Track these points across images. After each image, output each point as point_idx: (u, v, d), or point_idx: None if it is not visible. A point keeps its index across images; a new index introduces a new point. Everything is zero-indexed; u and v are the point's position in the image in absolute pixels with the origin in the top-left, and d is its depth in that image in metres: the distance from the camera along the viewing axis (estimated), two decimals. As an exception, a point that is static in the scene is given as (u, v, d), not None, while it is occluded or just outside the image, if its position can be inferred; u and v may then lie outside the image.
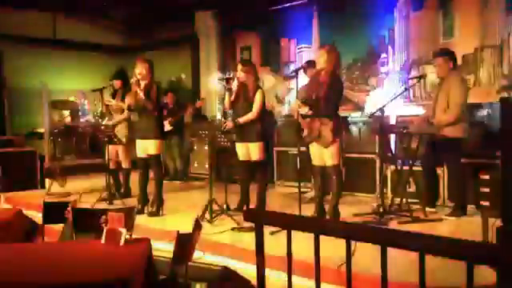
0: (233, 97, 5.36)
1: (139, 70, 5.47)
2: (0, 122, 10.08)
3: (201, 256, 4.08)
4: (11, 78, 10.27)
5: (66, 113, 10.19)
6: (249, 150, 5.29)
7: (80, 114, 10.18)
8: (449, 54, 5.15)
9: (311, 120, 4.75)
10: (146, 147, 5.57)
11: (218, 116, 9.52)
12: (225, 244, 4.31)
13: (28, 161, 7.73)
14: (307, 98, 4.77)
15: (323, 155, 4.75)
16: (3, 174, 7.36)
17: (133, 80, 5.56)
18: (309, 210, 4.85)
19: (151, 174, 5.69)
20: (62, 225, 3.81)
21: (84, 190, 6.95)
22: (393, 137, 5.89)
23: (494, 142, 5.09)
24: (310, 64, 5.61)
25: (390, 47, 7.43)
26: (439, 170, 5.48)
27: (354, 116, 6.92)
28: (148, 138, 5.54)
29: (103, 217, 2.92)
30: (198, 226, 2.98)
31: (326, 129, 4.65)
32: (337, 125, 4.71)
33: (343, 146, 5.10)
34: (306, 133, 4.86)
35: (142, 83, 5.49)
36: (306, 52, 8.51)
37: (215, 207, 5.10)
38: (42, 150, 8.23)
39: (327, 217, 4.79)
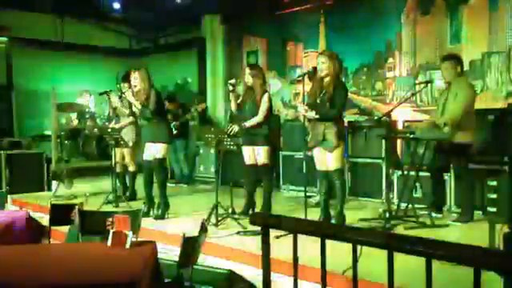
0: (239, 100, 5.38)
1: (133, 80, 5.52)
2: (8, 123, 10.14)
3: (206, 259, 4.08)
4: (19, 80, 10.35)
5: (73, 115, 10.24)
6: (255, 154, 5.29)
7: (87, 116, 10.20)
8: (456, 59, 5.14)
9: (315, 124, 4.75)
10: (154, 151, 5.57)
11: (225, 119, 9.53)
12: (230, 248, 4.31)
13: (35, 163, 7.76)
14: (312, 102, 4.78)
15: (327, 159, 4.75)
16: (10, 176, 7.40)
17: (128, 91, 5.61)
18: (315, 215, 4.84)
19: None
20: (68, 227, 3.82)
21: (90, 193, 6.97)
22: (399, 142, 5.88)
23: (502, 148, 5.06)
24: (317, 69, 5.60)
25: (397, 52, 7.41)
26: (446, 176, 5.45)
27: (361, 121, 6.91)
28: (157, 141, 5.54)
29: (109, 219, 2.93)
30: (203, 229, 2.99)
31: (330, 133, 4.65)
32: (340, 129, 4.72)
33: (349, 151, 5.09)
34: (310, 137, 4.86)
35: (141, 91, 5.51)
36: (312, 57, 8.51)
37: (221, 211, 5.11)
38: (49, 153, 8.27)
39: (333, 221, 4.78)
